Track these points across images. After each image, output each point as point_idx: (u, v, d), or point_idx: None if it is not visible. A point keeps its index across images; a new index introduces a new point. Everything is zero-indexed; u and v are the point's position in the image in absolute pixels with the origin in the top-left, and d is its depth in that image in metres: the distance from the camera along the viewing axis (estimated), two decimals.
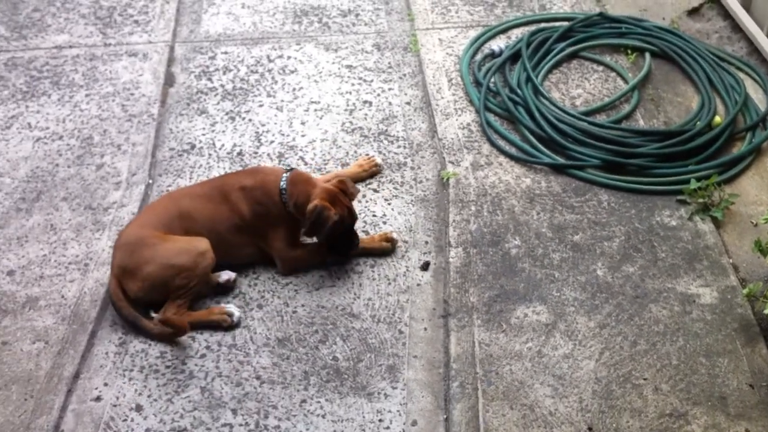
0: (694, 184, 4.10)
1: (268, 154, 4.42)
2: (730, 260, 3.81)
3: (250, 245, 3.79)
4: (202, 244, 3.62)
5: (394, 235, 3.92)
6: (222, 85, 4.93)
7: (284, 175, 3.75)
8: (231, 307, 3.61)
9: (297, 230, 3.82)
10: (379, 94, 4.85)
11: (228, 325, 3.57)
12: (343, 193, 3.73)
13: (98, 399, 3.32)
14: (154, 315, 3.52)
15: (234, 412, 3.26)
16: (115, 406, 3.29)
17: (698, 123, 4.49)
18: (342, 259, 3.85)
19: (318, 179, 3.84)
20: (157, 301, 3.59)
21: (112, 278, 3.61)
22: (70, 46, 5.27)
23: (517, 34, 5.25)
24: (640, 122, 4.61)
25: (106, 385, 3.37)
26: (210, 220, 3.71)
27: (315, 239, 3.80)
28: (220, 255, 3.68)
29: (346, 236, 3.76)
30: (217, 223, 3.71)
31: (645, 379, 3.30)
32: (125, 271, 3.57)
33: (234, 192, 3.74)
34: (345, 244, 3.79)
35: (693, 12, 5.41)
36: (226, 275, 3.72)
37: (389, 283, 3.76)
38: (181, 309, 3.56)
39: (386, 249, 3.89)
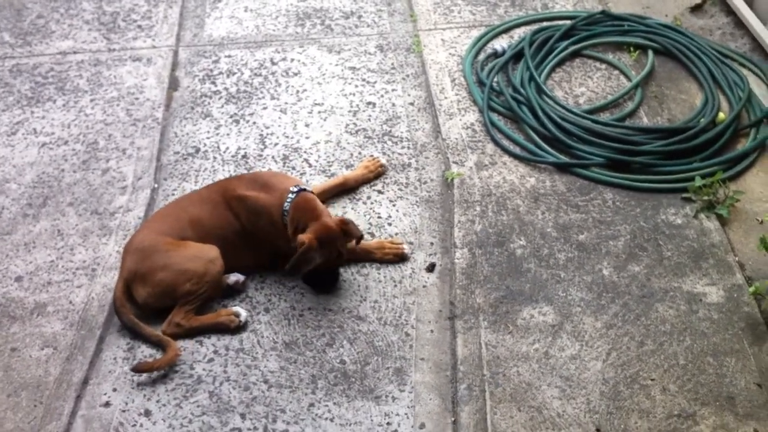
0: (698, 182, 4.10)
1: (273, 157, 4.43)
2: (736, 258, 3.81)
3: (256, 251, 3.78)
4: (213, 251, 3.62)
5: (405, 249, 3.88)
6: (226, 89, 4.94)
7: (290, 195, 3.65)
8: (238, 308, 3.62)
9: (270, 239, 3.76)
10: (382, 95, 4.85)
11: (236, 326, 3.58)
12: (343, 233, 3.64)
13: (107, 404, 3.33)
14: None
15: (242, 416, 3.27)
16: (124, 411, 3.30)
17: (702, 120, 4.49)
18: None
19: (323, 210, 3.68)
20: (165, 307, 3.60)
21: (119, 282, 3.62)
22: (75, 52, 5.28)
23: (519, 33, 5.25)
24: (644, 120, 4.61)
25: (114, 390, 3.38)
26: (218, 227, 3.71)
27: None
28: (229, 261, 3.69)
29: (326, 277, 3.73)
30: (224, 229, 3.71)
31: (652, 380, 3.30)
32: (136, 276, 3.58)
33: (233, 200, 3.72)
34: (322, 283, 3.74)
35: (696, 9, 5.40)
36: (234, 277, 3.73)
37: (395, 285, 3.76)
38: (189, 314, 3.57)
39: (390, 261, 3.86)
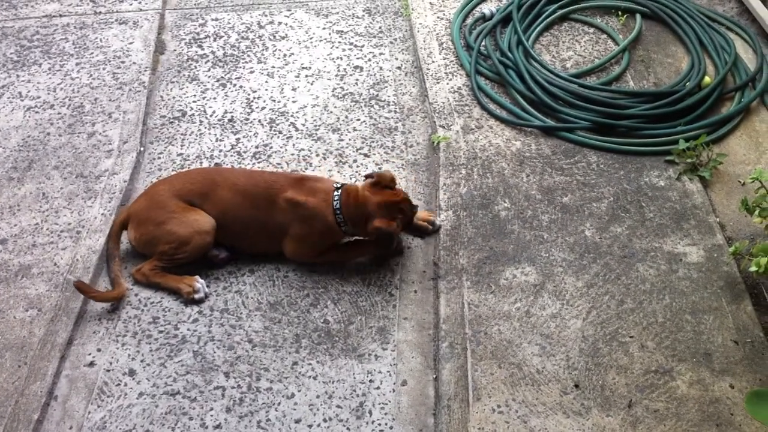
0: (682, 145, 4.12)
1: (259, 121, 4.43)
2: (717, 219, 3.83)
3: (276, 240, 3.71)
4: (206, 224, 3.61)
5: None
6: (213, 52, 4.93)
7: (335, 194, 3.61)
8: (199, 283, 3.60)
9: (324, 241, 3.69)
10: (369, 59, 4.85)
11: (188, 297, 3.57)
12: (386, 187, 3.61)
13: (91, 364, 3.35)
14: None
15: (226, 375, 3.30)
16: (108, 371, 3.32)
17: (688, 84, 4.49)
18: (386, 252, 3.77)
19: (371, 195, 3.59)
20: (147, 255, 3.67)
21: (122, 213, 3.74)
22: (60, 15, 5.26)
23: None
24: (630, 84, 4.61)
25: (99, 350, 3.40)
26: (241, 218, 3.65)
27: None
28: (243, 245, 3.71)
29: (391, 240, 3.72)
30: (248, 221, 3.65)
31: (631, 337, 3.33)
32: (135, 218, 3.67)
33: (280, 201, 3.62)
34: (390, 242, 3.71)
35: None
36: (216, 252, 3.71)
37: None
38: (157, 269, 3.62)
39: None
